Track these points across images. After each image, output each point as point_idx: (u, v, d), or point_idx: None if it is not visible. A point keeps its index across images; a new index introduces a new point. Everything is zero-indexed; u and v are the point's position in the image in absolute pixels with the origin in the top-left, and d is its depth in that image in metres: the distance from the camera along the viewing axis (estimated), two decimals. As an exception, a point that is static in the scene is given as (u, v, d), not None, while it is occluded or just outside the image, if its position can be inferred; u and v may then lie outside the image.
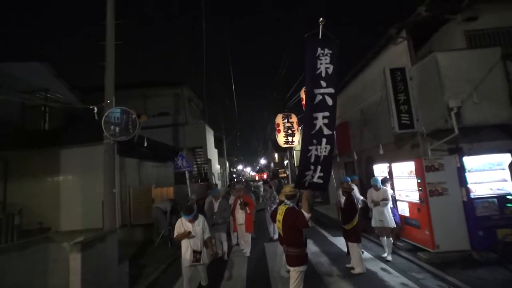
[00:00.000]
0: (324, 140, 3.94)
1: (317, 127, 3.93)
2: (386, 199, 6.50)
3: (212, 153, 22.35)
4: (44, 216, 9.11)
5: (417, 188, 6.57)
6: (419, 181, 6.48)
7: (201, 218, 5.00)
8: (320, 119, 3.94)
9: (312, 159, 3.88)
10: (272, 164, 43.27)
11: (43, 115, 12.63)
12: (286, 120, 7.90)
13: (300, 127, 8.50)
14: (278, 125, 8.08)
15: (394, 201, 7.34)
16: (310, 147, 3.87)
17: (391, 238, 6.53)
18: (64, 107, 12.10)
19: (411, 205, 6.86)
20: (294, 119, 7.78)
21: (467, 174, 6.24)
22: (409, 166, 6.93)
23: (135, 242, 9.46)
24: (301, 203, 4.04)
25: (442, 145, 7.00)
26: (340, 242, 7.85)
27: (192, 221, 4.81)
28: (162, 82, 21.34)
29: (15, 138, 9.95)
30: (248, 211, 7.73)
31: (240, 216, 7.82)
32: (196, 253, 4.82)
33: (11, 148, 9.39)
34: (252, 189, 16.37)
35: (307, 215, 3.76)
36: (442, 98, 6.54)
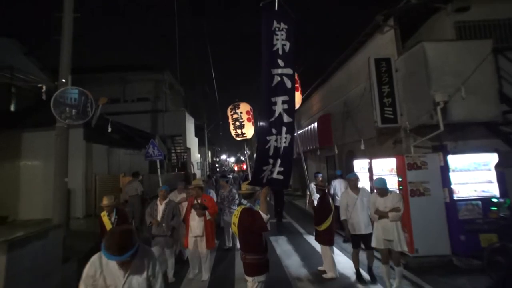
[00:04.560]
0: (284, 129, 3.38)
1: (276, 113, 3.35)
2: (397, 209, 4.70)
3: (192, 141, 21.71)
4: (2, 204, 8.46)
5: (397, 187, 6.15)
6: (400, 179, 6.06)
7: (147, 256, 2.38)
8: (280, 104, 3.37)
9: (271, 152, 3.32)
10: (255, 155, 42.79)
11: (7, 95, 11.80)
12: (233, 112, 7.18)
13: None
14: (228, 117, 7.41)
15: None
16: (268, 137, 3.29)
17: (401, 267, 4.87)
18: (24, 87, 11.23)
19: (391, 204, 6.45)
20: (243, 108, 7.04)
21: (451, 174, 5.86)
22: (390, 163, 6.50)
23: (99, 233, 8.85)
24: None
25: (425, 142, 6.60)
26: (314, 241, 7.42)
27: (126, 265, 2.24)
28: (143, 66, 20.51)
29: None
30: (208, 217, 5.43)
31: (197, 224, 5.39)
32: None
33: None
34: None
35: (265, 216, 3.23)
36: (428, 91, 6.08)
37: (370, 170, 7.25)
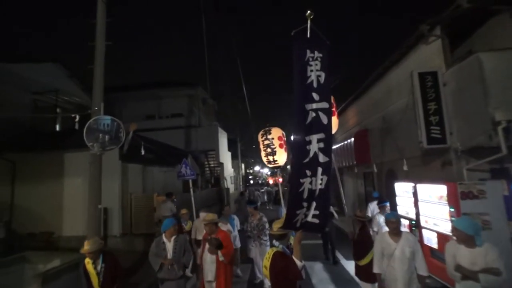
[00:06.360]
0: (319, 170, 2.94)
1: (311, 153, 2.93)
2: (496, 271, 3.14)
3: (225, 156, 21.69)
4: (48, 220, 9.14)
5: (449, 218, 5.40)
6: (451, 210, 5.31)
7: None
8: (315, 143, 2.93)
9: (305, 195, 2.90)
10: (288, 167, 42.12)
11: (53, 117, 12.91)
12: (264, 137, 6.75)
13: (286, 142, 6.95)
14: (259, 143, 7.00)
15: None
16: (302, 180, 2.87)
17: None
18: (68, 108, 11.81)
19: (441, 236, 5.68)
20: (275, 133, 6.58)
21: (518, 205, 5.03)
22: (439, 189, 5.75)
23: (135, 252, 8.95)
24: None
25: (482, 164, 5.80)
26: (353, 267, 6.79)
27: None
28: (176, 83, 21.18)
29: (24, 140, 10.00)
30: (221, 258, 4.40)
31: (209, 267, 4.53)
32: None
33: (20, 150, 9.45)
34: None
35: (299, 263, 2.92)
36: (485, 109, 5.36)
37: (415, 195, 6.52)
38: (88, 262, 3.95)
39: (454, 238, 3.55)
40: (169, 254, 4.45)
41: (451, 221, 5.26)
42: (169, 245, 4.50)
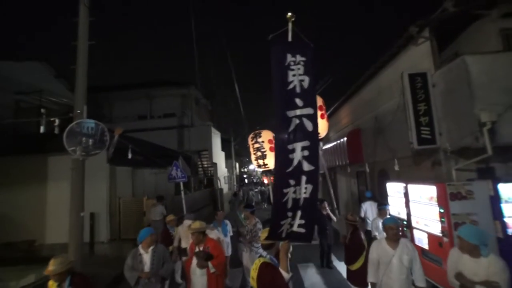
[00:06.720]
0: (303, 179, 2.83)
1: (295, 162, 2.80)
2: (495, 285, 3.04)
3: (219, 156, 21.62)
4: (29, 227, 8.74)
5: (439, 219, 5.47)
6: (441, 211, 5.38)
7: None
8: (299, 152, 2.80)
9: (289, 205, 2.81)
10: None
11: (38, 118, 12.15)
12: (254, 141, 6.62)
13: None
14: (249, 146, 6.85)
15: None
16: (285, 190, 2.77)
17: None
18: (54, 108, 11.51)
19: (431, 237, 5.75)
20: (265, 136, 6.47)
21: (504, 205, 5.11)
22: (429, 190, 5.82)
23: (123, 259, 8.69)
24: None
25: (470, 164, 5.88)
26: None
27: None
28: (168, 82, 20.99)
29: (1, 143, 9.42)
30: (213, 270, 4.12)
31: (198, 279, 4.18)
32: None
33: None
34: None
35: (286, 275, 2.87)
36: (472, 110, 5.42)
37: (406, 195, 6.58)
38: (52, 285, 3.40)
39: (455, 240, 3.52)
40: (147, 267, 4.14)
41: (441, 221, 5.36)
42: (147, 257, 4.19)
